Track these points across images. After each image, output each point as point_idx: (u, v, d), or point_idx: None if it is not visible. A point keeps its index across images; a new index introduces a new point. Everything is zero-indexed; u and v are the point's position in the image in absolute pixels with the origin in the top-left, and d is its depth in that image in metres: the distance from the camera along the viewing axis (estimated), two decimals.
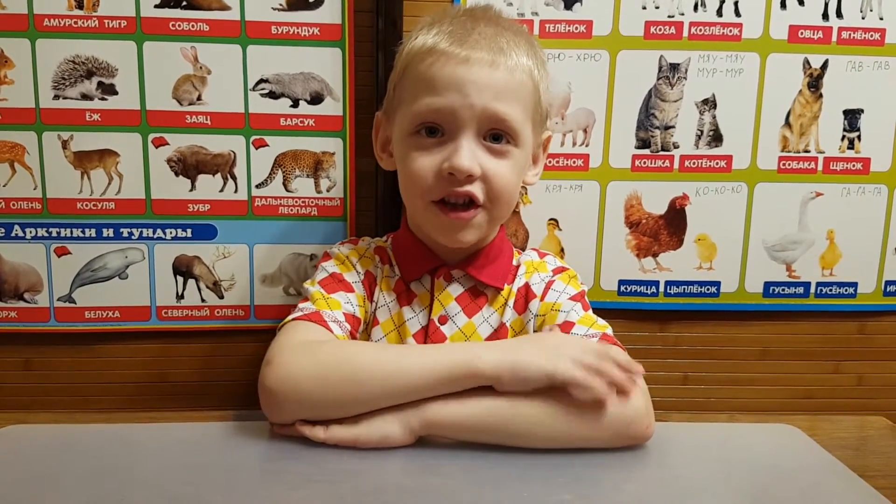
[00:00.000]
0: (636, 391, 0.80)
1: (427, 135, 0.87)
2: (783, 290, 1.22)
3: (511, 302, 0.95)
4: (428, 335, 0.93)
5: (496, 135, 0.87)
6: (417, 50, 0.88)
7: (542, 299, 0.94)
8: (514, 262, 0.99)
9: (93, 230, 1.14)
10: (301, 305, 0.89)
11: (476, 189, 0.86)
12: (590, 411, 0.77)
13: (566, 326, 0.90)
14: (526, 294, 0.95)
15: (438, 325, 0.93)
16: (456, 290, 0.95)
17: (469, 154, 0.85)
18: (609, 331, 0.90)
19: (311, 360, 0.78)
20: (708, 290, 1.21)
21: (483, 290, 0.96)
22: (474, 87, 0.84)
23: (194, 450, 0.79)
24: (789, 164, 1.18)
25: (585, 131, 1.16)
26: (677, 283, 1.21)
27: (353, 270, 0.95)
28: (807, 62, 1.16)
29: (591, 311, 0.93)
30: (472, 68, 0.84)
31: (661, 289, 1.21)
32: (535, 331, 0.94)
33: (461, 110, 0.84)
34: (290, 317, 0.88)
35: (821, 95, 1.17)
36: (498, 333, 0.95)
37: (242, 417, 0.86)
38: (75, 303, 1.15)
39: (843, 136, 1.18)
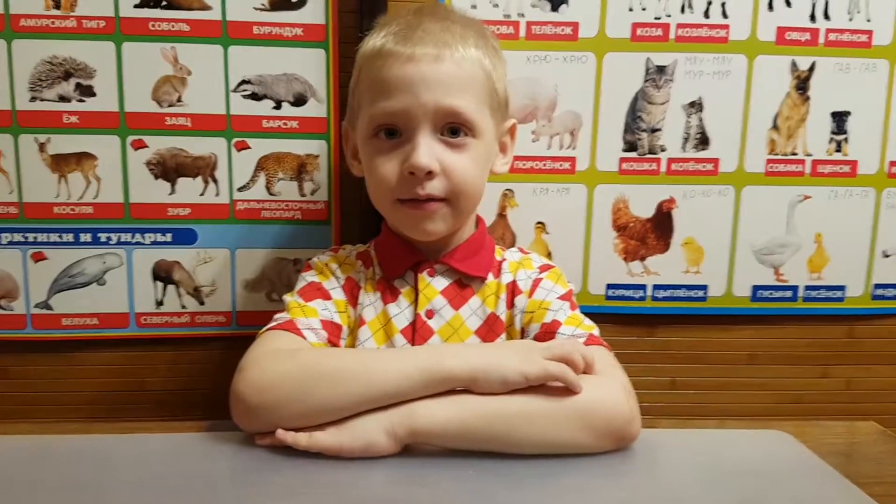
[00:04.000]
0: (618, 389, 0.79)
1: (386, 137, 0.88)
2: (771, 293, 1.21)
3: (503, 296, 0.94)
4: (416, 330, 0.92)
5: (453, 128, 0.87)
6: (367, 54, 0.89)
7: (529, 296, 0.94)
8: (498, 258, 0.98)
9: (70, 235, 1.12)
10: (276, 316, 0.89)
11: (436, 188, 0.87)
12: (573, 410, 0.76)
13: (553, 325, 0.89)
14: (513, 290, 0.95)
15: (425, 319, 0.93)
16: (440, 283, 0.94)
17: (426, 151, 0.85)
18: (596, 331, 0.90)
19: (284, 366, 0.78)
20: (695, 293, 1.20)
21: (468, 282, 0.95)
22: (423, 85, 0.85)
23: (172, 461, 0.77)
24: (777, 167, 1.18)
25: (572, 134, 1.15)
26: (665, 287, 1.20)
27: (331, 278, 0.95)
28: (794, 64, 1.15)
29: (578, 311, 0.93)
30: (419, 65, 0.85)
31: (649, 293, 1.20)
32: (522, 328, 0.93)
33: (413, 110, 0.85)
34: (265, 327, 0.87)
35: (808, 98, 1.16)
36: (490, 325, 0.94)
37: (223, 427, 0.84)
38: (52, 310, 1.14)
39: (831, 139, 1.18)
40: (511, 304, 0.95)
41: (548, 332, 0.89)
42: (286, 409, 0.76)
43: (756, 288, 1.21)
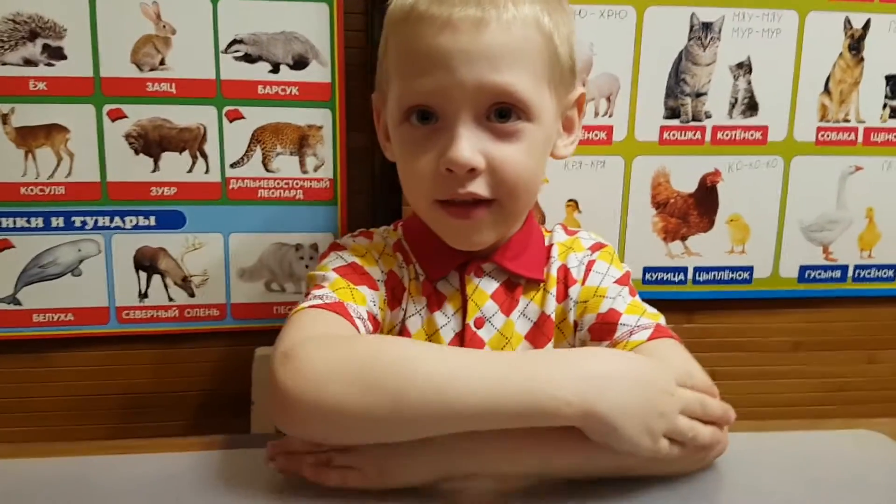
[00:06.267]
0: None
1: (419, 121, 0.74)
2: (819, 274, 1.15)
3: (553, 290, 0.82)
4: (464, 342, 0.80)
5: (502, 111, 0.73)
6: (396, 16, 0.75)
7: (583, 283, 0.82)
8: (546, 244, 0.86)
9: (40, 219, 1.05)
10: (317, 293, 0.74)
11: (479, 187, 0.73)
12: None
13: (611, 315, 0.77)
14: (565, 279, 0.83)
15: (475, 329, 0.80)
16: (490, 285, 0.81)
17: (467, 144, 0.71)
18: (662, 321, 0.78)
19: (347, 354, 0.62)
20: (740, 276, 1.13)
21: (517, 281, 0.83)
22: (462, 58, 0.70)
23: (167, 489, 0.65)
24: (828, 136, 1.10)
25: (608, 99, 1.06)
26: (707, 269, 1.12)
27: (376, 266, 0.81)
28: (848, 22, 1.07)
29: (638, 297, 0.81)
30: (457, 34, 0.70)
31: (690, 276, 1.12)
32: (575, 320, 0.81)
33: (451, 90, 0.70)
34: (304, 303, 0.73)
35: (862, 59, 1.09)
36: (539, 326, 0.82)
37: (225, 444, 0.72)
38: (21, 304, 1.07)
39: (885, 104, 1.10)
40: (563, 297, 0.82)
41: (605, 324, 0.77)
42: (344, 413, 0.60)
43: (804, 269, 1.14)
